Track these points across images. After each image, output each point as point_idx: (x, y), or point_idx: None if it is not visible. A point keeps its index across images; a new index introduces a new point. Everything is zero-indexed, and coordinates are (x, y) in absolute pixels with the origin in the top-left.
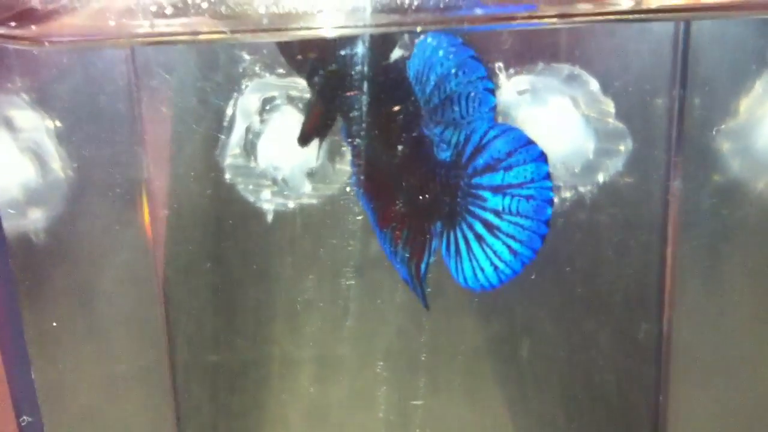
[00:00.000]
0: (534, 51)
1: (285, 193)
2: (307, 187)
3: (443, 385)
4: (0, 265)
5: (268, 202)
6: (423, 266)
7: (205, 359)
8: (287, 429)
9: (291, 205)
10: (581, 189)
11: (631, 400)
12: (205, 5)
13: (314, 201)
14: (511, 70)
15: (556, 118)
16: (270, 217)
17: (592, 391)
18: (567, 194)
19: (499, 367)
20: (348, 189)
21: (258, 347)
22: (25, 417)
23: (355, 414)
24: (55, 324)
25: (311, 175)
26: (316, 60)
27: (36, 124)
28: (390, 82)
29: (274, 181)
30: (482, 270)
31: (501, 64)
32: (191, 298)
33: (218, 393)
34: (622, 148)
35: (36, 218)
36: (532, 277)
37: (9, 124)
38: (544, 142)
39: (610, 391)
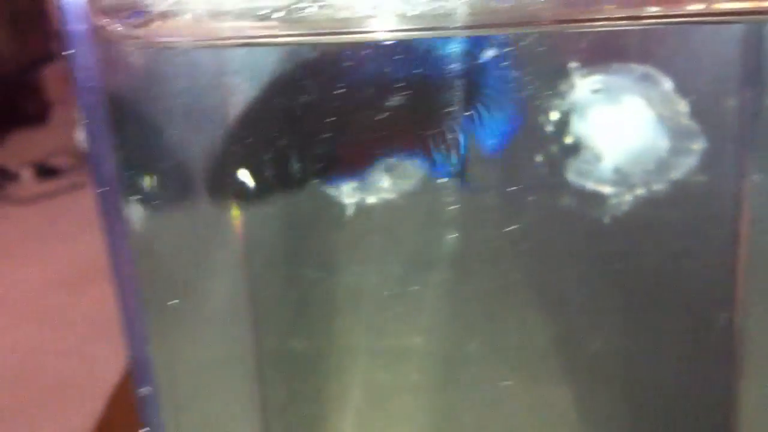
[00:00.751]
0: (607, 51)
1: (365, 187)
2: (386, 182)
3: (509, 379)
4: (124, 249)
5: (349, 197)
6: (462, 148)
7: (288, 348)
8: (361, 417)
9: (371, 200)
10: (654, 187)
11: (703, 398)
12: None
13: (392, 196)
14: (585, 70)
15: (630, 117)
16: (351, 211)
17: (661, 390)
18: (640, 192)
19: (565, 363)
20: (426, 184)
21: (337, 337)
22: (142, 389)
23: (424, 402)
24: (175, 301)
25: (389, 170)
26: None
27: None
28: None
29: None
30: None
31: (575, 64)
32: (275, 288)
33: (300, 381)
34: (694, 146)
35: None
36: (601, 271)
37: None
38: (618, 141)
39: (680, 390)
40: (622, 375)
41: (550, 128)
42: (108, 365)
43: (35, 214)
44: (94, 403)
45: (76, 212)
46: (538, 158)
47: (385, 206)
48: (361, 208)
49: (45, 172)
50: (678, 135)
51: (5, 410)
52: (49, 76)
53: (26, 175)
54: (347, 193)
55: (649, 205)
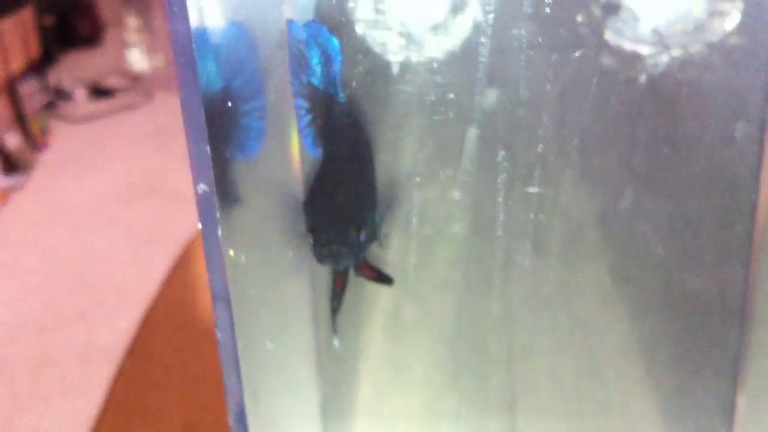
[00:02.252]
0: None
1: (410, 46)
2: (431, 40)
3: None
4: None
5: (394, 55)
6: None
7: None
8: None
9: (415, 58)
10: (691, 48)
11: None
12: None
13: (437, 54)
14: None
15: None
16: (396, 69)
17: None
18: (676, 53)
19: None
20: (468, 43)
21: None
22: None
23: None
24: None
25: (435, 29)
26: None
27: None
28: None
29: (401, 34)
30: None
31: None
32: None
33: None
34: (733, 9)
35: None
36: (635, 130)
37: None
38: (656, 1)
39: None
40: (650, 236)
41: None
42: (156, 272)
43: (89, 132)
44: (142, 307)
45: (128, 131)
46: (579, 18)
47: (431, 64)
48: (407, 66)
49: (98, 92)
50: None
51: (64, 314)
52: None
53: (80, 94)
54: (393, 51)
55: (686, 67)
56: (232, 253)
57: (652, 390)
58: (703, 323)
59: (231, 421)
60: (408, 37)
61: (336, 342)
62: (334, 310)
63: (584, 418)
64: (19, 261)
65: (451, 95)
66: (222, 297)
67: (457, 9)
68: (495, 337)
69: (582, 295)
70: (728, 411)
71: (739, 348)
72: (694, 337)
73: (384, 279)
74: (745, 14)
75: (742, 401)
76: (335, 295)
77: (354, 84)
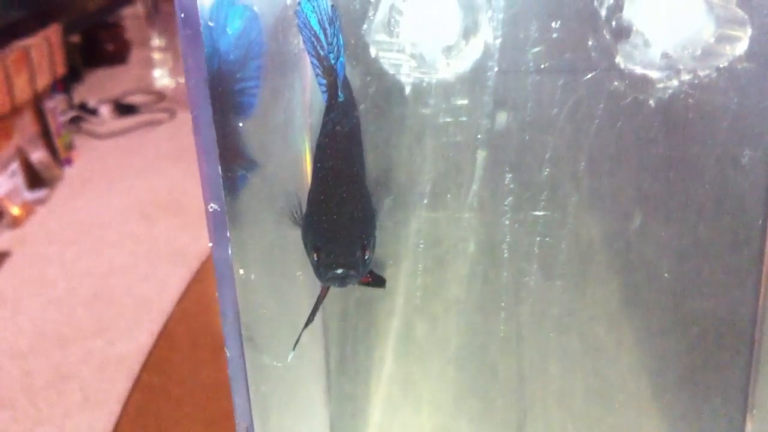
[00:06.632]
0: None
1: (422, 67)
2: (443, 62)
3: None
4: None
5: (406, 76)
6: None
7: None
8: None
9: (427, 80)
10: (700, 72)
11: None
12: None
13: (448, 76)
14: None
15: (679, 3)
16: (408, 90)
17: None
18: (686, 77)
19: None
20: (478, 66)
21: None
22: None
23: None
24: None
25: (447, 51)
26: None
27: None
28: None
29: (413, 56)
30: None
31: None
32: None
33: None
34: (742, 34)
35: None
36: (644, 155)
37: None
38: (667, 26)
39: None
40: (659, 258)
41: (602, 12)
42: (174, 287)
43: (114, 148)
44: (161, 322)
45: (152, 148)
46: (590, 42)
47: (442, 85)
48: (419, 87)
49: (122, 109)
50: (726, 22)
51: (84, 327)
52: (129, 16)
53: (105, 111)
54: (405, 73)
55: (694, 90)
56: (242, 271)
57: (662, 414)
58: (712, 347)
59: None
60: (420, 59)
61: (291, 356)
62: (308, 323)
63: None
64: (41, 274)
65: (462, 117)
66: (231, 315)
67: (468, 32)
68: (504, 358)
69: (591, 318)
70: None
71: (749, 372)
72: (703, 361)
73: (379, 282)
74: (753, 40)
75: (751, 427)
76: (314, 307)
77: (366, 105)
